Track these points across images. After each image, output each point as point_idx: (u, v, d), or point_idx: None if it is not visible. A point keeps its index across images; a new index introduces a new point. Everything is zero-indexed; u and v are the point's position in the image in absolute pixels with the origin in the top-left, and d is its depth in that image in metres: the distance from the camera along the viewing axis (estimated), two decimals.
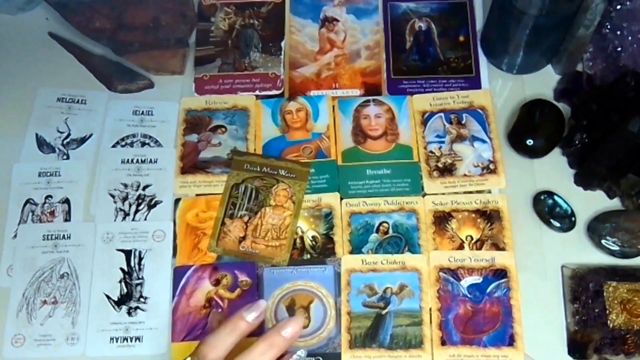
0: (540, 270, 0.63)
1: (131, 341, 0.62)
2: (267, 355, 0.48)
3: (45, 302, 0.63)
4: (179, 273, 0.64)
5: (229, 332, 0.49)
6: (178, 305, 0.63)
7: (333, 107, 0.71)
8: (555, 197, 0.65)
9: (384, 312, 0.61)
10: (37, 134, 0.71)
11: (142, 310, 0.63)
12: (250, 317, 0.50)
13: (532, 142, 0.66)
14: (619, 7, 0.65)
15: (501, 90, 0.72)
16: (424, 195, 0.66)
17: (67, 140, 0.71)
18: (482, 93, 0.71)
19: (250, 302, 0.52)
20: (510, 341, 0.60)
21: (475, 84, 0.72)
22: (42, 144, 0.71)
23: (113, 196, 0.68)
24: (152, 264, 0.65)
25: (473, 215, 0.65)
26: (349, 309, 0.62)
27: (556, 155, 0.68)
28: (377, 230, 0.65)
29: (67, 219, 0.67)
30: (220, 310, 0.62)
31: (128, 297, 0.64)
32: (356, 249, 0.64)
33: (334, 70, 0.73)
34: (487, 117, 0.69)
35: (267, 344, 0.48)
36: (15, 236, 0.66)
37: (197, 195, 0.68)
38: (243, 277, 0.63)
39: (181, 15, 0.75)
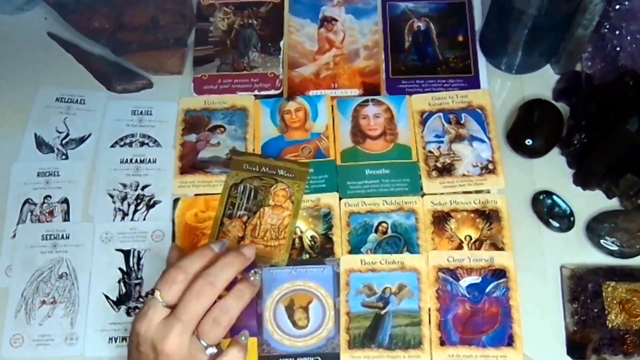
0: (539, 270, 0.63)
1: None
2: (229, 269, 0.52)
3: (44, 302, 0.63)
4: None
5: (197, 257, 0.53)
6: None
7: (332, 107, 0.71)
8: (554, 197, 0.65)
9: (382, 312, 0.61)
10: (36, 134, 0.71)
11: None
12: (217, 248, 0.55)
13: (531, 142, 0.66)
14: (617, 7, 0.65)
15: (500, 90, 0.72)
16: (423, 195, 0.66)
17: (66, 140, 0.71)
18: (481, 93, 0.71)
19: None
20: (509, 341, 0.60)
21: (474, 83, 0.72)
22: (41, 144, 0.71)
23: (112, 196, 0.68)
24: (151, 264, 0.65)
25: (472, 215, 0.65)
26: (347, 309, 0.62)
27: (555, 155, 0.68)
28: (376, 230, 0.65)
29: (66, 219, 0.67)
30: None
31: (127, 297, 0.64)
32: (355, 249, 0.64)
33: (332, 70, 0.73)
34: (486, 117, 0.69)
35: (228, 260, 0.53)
36: (14, 236, 0.66)
37: (196, 195, 0.68)
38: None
39: (180, 15, 0.75)
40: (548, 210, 0.64)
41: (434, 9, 0.76)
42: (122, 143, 0.71)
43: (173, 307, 0.50)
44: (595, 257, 0.63)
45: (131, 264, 0.65)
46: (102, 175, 0.69)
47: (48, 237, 0.66)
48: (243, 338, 0.53)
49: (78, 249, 0.65)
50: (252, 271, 0.55)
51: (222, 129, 0.71)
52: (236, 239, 0.65)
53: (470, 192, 0.66)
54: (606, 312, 0.58)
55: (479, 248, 0.64)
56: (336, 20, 0.76)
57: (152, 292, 0.51)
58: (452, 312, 0.61)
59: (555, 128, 0.67)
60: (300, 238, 0.65)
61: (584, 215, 0.65)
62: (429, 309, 0.61)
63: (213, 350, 0.50)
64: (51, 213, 0.67)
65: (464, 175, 0.67)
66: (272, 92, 0.73)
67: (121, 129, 0.71)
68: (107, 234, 0.66)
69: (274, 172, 0.67)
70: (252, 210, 0.66)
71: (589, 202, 0.66)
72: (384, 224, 0.65)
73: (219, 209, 0.66)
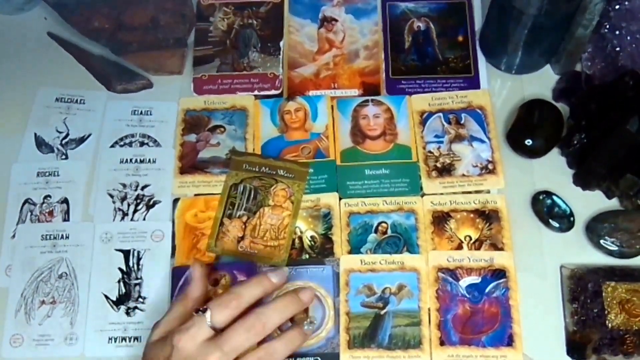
0: (539, 270, 0.63)
1: (130, 341, 0.62)
2: (284, 313, 0.53)
3: (43, 302, 0.63)
4: (177, 273, 0.64)
5: (254, 285, 0.53)
6: None
7: (332, 107, 0.71)
8: (554, 197, 0.65)
9: (382, 312, 0.61)
10: (35, 134, 0.71)
11: (141, 310, 0.63)
12: (275, 278, 0.55)
13: (530, 142, 0.66)
14: (617, 7, 0.64)
15: (500, 90, 0.72)
16: (423, 195, 0.66)
17: (66, 140, 0.71)
18: (481, 93, 0.71)
19: None
20: (509, 341, 0.60)
21: (474, 83, 0.72)
22: (41, 144, 0.71)
23: (112, 196, 0.68)
24: (150, 264, 0.65)
25: (472, 215, 0.65)
26: (347, 309, 0.62)
27: (555, 155, 0.68)
28: (376, 230, 0.65)
29: (66, 218, 0.67)
30: None
31: (126, 297, 0.64)
32: (355, 249, 0.64)
33: (332, 70, 0.73)
34: (486, 117, 0.69)
35: (285, 303, 0.54)
36: (13, 236, 0.66)
37: (195, 195, 0.68)
38: (242, 277, 0.63)
39: (180, 15, 0.75)
40: (548, 210, 0.64)
41: (434, 9, 0.76)
42: (122, 143, 0.71)
43: (217, 332, 0.50)
44: (595, 257, 0.63)
45: (131, 264, 0.65)
46: (102, 175, 0.69)
47: (48, 237, 0.66)
48: None
49: (78, 249, 0.65)
50: (308, 320, 0.57)
51: (222, 129, 0.71)
52: (236, 239, 0.65)
53: (470, 192, 0.66)
54: (606, 312, 0.58)
55: (478, 248, 0.64)
56: (336, 21, 0.76)
57: (203, 310, 0.51)
58: (452, 312, 0.61)
59: (555, 128, 0.67)
60: (300, 238, 0.65)
61: (584, 215, 0.65)
62: (429, 309, 0.61)
63: None
64: (51, 213, 0.67)
65: (463, 175, 0.67)
66: (272, 92, 0.73)
67: (121, 129, 0.71)
68: (107, 234, 0.66)
69: (274, 172, 0.67)
70: (251, 211, 0.66)
71: (589, 202, 0.65)
72: (383, 224, 0.65)
73: (218, 209, 0.66)
